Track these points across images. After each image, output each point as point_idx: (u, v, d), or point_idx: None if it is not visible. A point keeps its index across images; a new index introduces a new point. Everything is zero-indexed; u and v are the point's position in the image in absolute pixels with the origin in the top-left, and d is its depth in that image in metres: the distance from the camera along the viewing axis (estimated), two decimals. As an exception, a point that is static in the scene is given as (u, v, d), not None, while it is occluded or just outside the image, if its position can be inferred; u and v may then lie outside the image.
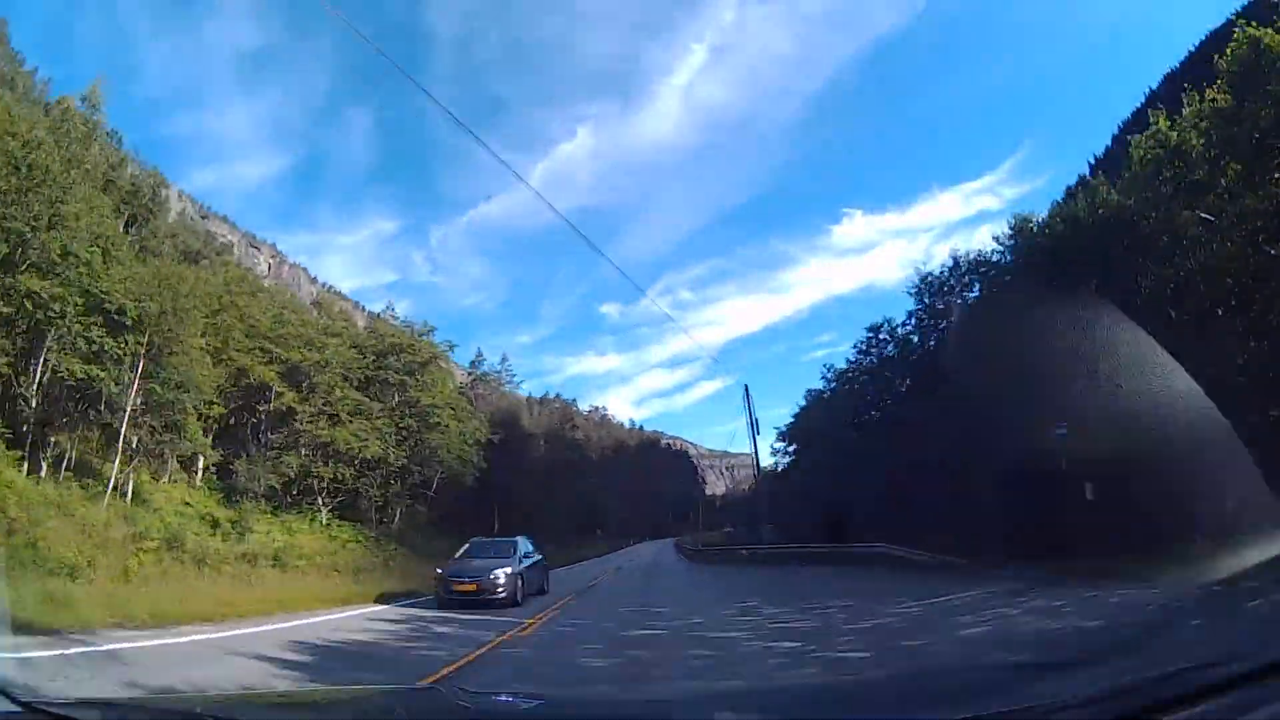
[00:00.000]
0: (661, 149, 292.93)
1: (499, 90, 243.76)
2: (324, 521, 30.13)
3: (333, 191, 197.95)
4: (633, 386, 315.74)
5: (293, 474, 29.74)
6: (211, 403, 25.99)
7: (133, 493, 20.43)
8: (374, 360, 38.44)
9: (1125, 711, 1.51)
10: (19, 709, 2.03)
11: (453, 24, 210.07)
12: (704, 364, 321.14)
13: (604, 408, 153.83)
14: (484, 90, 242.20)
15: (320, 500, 31.38)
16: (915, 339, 29.79)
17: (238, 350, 29.64)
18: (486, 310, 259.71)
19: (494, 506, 49.69)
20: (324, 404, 32.11)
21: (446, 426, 39.50)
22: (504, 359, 75.78)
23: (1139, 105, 50.43)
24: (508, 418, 63.28)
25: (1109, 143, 54.79)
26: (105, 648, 7.56)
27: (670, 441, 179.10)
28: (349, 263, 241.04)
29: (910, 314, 29.70)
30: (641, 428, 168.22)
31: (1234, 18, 17.65)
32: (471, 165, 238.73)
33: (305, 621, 11.24)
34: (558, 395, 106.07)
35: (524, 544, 16.91)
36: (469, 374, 66.09)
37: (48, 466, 18.62)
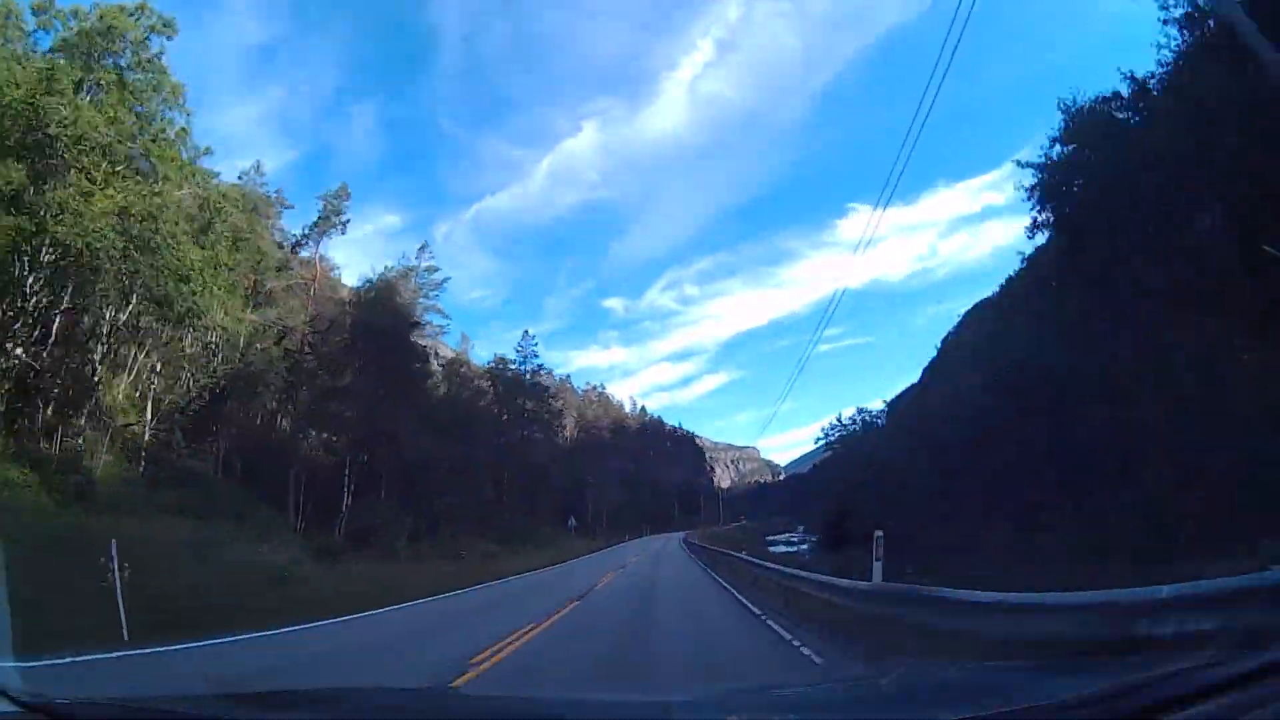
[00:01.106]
0: (667, 145, 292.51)
1: (505, 86, 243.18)
2: None
3: (337, 186, 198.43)
4: (637, 380, 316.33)
5: None
6: None
7: None
8: None
9: (1125, 711, 1.50)
10: (19, 709, 2.03)
11: (459, 20, 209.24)
12: (708, 358, 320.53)
13: (602, 385, 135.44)
14: (490, 86, 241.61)
15: None
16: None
17: None
18: (491, 305, 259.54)
19: (354, 468, 29.81)
20: None
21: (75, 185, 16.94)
22: (423, 246, 47.48)
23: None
24: (389, 306, 37.77)
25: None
26: None
27: (675, 429, 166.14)
28: (354, 256, 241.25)
29: None
30: (644, 409, 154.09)
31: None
32: (477, 160, 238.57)
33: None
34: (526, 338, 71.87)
35: None
36: (307, 231, 37.16)
37: None
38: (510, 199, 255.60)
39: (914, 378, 56.56)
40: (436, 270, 48.24)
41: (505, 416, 61.47)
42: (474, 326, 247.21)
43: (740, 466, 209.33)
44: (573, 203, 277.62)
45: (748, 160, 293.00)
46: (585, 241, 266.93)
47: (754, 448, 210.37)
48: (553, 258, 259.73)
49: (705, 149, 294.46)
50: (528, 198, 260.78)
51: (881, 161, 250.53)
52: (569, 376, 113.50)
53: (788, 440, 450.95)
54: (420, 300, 45.96)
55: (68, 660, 6.44)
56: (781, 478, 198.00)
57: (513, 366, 65.52)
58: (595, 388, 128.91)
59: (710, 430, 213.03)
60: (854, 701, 2.42)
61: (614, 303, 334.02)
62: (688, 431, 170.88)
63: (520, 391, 64.36)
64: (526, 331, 71.11)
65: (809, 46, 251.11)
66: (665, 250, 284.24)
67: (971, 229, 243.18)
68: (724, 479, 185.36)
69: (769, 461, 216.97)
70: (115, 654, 7.05)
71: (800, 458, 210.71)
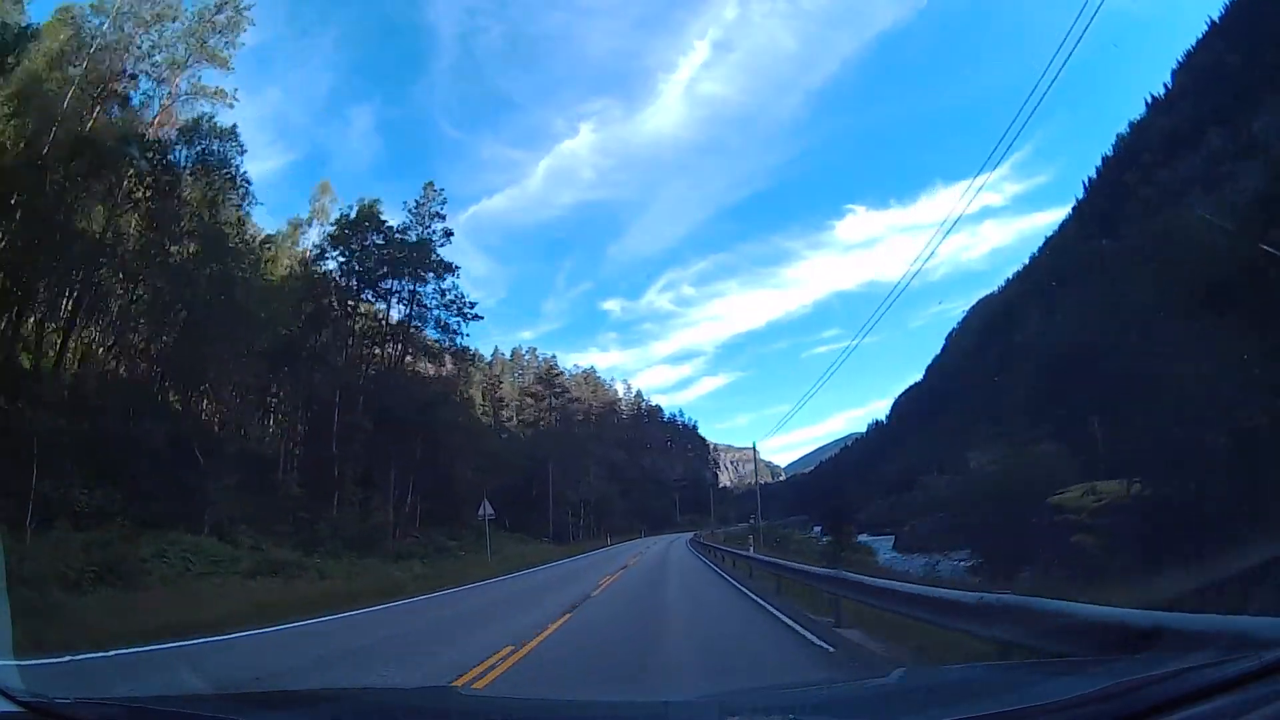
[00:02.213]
0: (664, 145, 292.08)
1: (502, 87, 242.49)
2: None
3: (334, 189, 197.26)
4: (636, 382, 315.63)
5: None
6: None
7: None
8: None
9: (1125, 711, 1.50)
10: (20, 709, 2.03)
11: (455, 21, 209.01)
12: (707, 359, 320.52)
13: (593, 366, 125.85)
14: (487, 87, 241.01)
15: None
16: None
17: None
18: (489, 307, 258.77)
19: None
20: None
21: None
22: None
23: (1149, 101, 50.48)
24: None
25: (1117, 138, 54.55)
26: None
27: (675, 418, 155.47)
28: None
29: None
30: (639, 393, 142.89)
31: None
32: (474, 162, 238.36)
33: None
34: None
35: None
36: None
37: None
38: (507, 201, 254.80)
39: (916, 376, 56.83)
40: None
41: (354, 315, 35.03)
42: (473, 327, 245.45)
43: (740, 467, 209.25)
44: (570, 204, 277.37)
45: (745, 160, 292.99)
46: (583, 243, 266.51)
47: (749, 449, 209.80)
48: (551, 259, 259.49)
49: (703, 149, 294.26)
50: (525, 199, 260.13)
51: (878, 161, 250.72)
52: (554, 357, 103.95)
53: (787, 442, 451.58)
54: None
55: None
56: (782, 478, 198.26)
57: (391, 227, 36.63)
58: (584, 371, 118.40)
59: (710, 432, 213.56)
60: (854, 702, 2.42)
61: (612, 304, 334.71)
62: (691, 422, 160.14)
63: (398, 262, 34.88)
64: (430, 184, 40.44)
65: (806, 45, 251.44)
66: (663, 251, 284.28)
67: (969, 229, 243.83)
68: (724, 479, 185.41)
69: (769, 463, 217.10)
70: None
71: (801, 458, 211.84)
